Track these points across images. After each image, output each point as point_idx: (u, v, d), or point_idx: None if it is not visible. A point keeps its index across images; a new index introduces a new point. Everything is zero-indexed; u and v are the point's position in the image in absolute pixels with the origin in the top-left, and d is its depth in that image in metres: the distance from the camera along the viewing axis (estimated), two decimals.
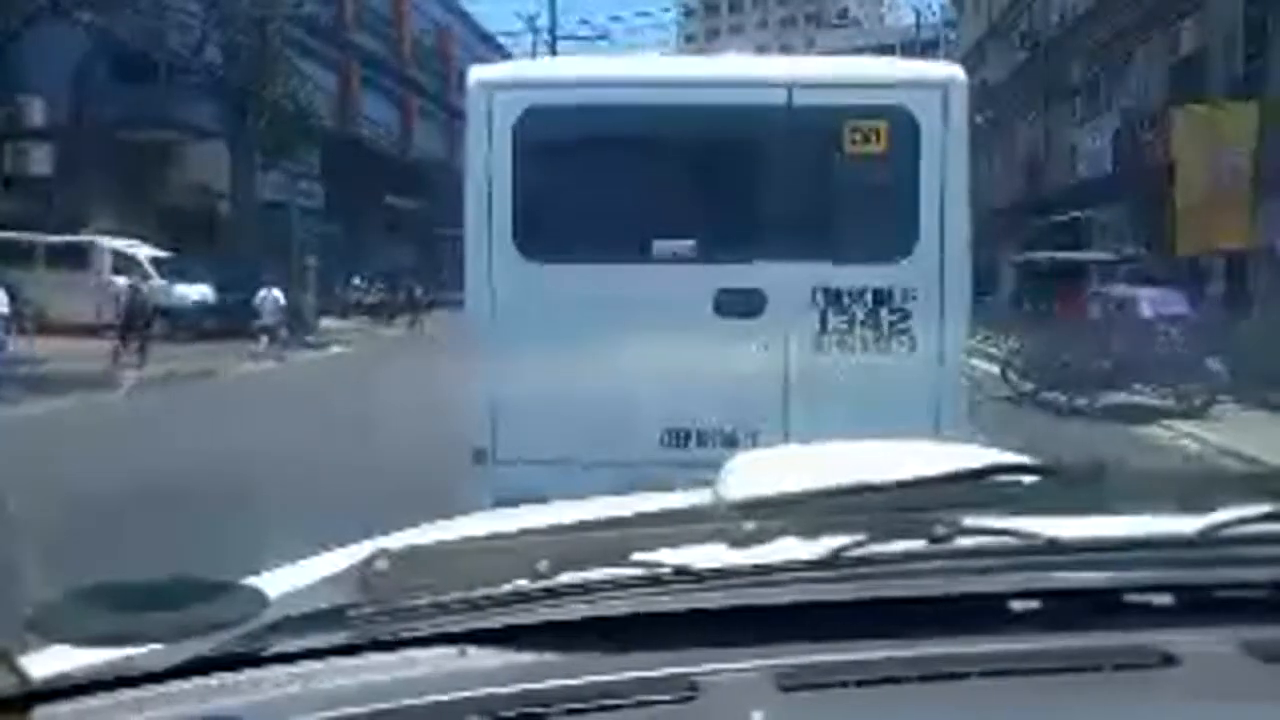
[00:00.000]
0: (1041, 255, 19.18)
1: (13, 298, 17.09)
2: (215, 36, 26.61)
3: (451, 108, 38.45)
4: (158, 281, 23.18)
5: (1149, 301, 14.13)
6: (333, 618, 1.08)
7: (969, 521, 1.18)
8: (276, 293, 22.20)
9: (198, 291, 24.16)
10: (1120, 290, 14.86)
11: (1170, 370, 13.49)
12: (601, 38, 52.66)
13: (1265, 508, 1.23)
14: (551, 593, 1.09)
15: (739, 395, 5.11)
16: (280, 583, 1.30)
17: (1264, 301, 15.99)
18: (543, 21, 50.70)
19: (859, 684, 0.98)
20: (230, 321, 22.95)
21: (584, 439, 4.83)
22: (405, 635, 1.06)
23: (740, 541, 1.15)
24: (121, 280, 21.29)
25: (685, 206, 5.38)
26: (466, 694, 0.97)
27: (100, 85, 25.74)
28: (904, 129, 5.15)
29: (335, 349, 24.36)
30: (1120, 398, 13.93)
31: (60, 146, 24.94)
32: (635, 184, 5.35)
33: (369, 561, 1.22)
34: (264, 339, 21.38)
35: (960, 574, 1.11)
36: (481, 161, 5.23)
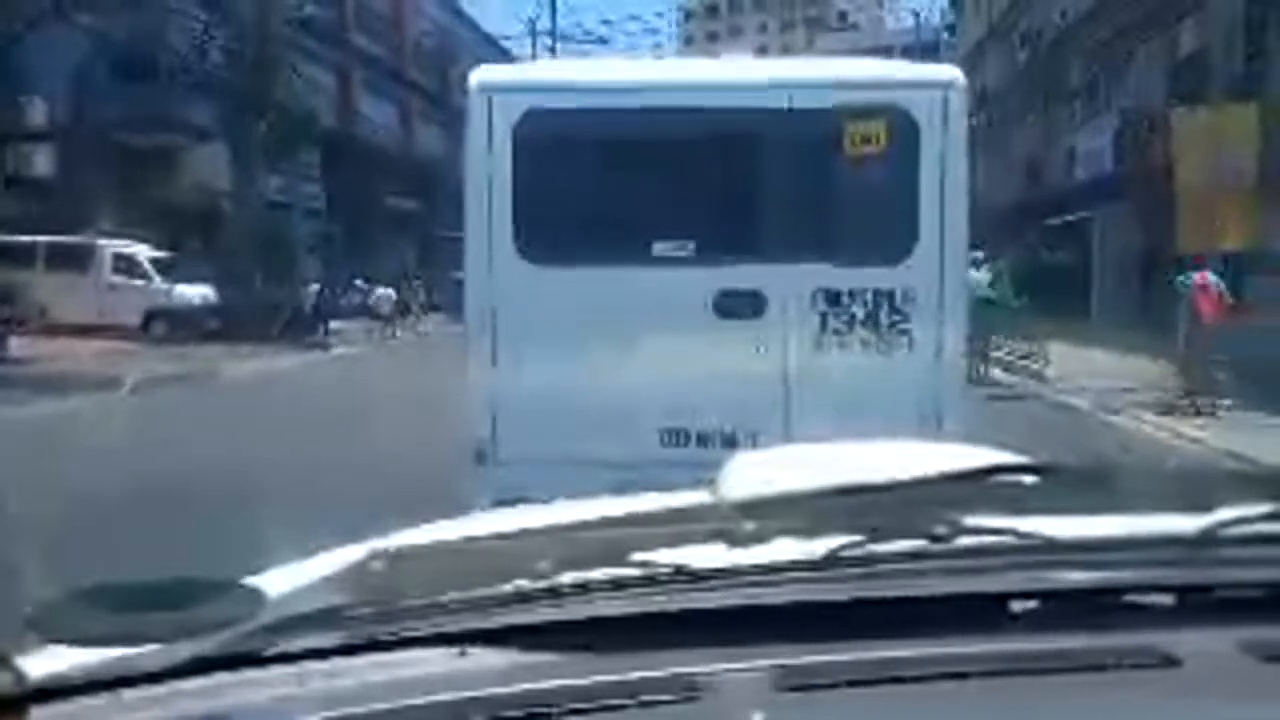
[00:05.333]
0: None
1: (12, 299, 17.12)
2: (216, 38, 26.62)
3: (452, 109, 38.45)
4: (158, 283, 23.19)
5: None
6: (332, 618, 1.08)
7: (969, 521, 1.18)
8: (389, 290, 29.25)
9: (198, 293, 24.13)
10: None
11: None
12: (601, 41, 52.76)
13: (1265, 508, 1.22)
14: (551, 592, 1.08)
15: (739, 396, 5.12)
16: (280, 583, 1.30)
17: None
18: (543, 24, 50.70)
19: (859, 684, 0.98)
20: (230, 321, 22.94)
21: (585, 440, 4.84)
22: (405, 635, 1.05)
23: (740, 541, 1.15)
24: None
25: (685, 208, 5.39)
26: (466, 694, 0.97)
27: (101, 87, 25.70)
28: (904, 131, 5.15)
29: (339, 349, 24.33)
30: None
31: (61, 148, 24.93)
32: (635, 186, 5.35)
33: (368, 561, 1.22)
34: (383, 325, 28.36)
35: (960, 574, 1.11)
36: (482, 164, 5.23)
